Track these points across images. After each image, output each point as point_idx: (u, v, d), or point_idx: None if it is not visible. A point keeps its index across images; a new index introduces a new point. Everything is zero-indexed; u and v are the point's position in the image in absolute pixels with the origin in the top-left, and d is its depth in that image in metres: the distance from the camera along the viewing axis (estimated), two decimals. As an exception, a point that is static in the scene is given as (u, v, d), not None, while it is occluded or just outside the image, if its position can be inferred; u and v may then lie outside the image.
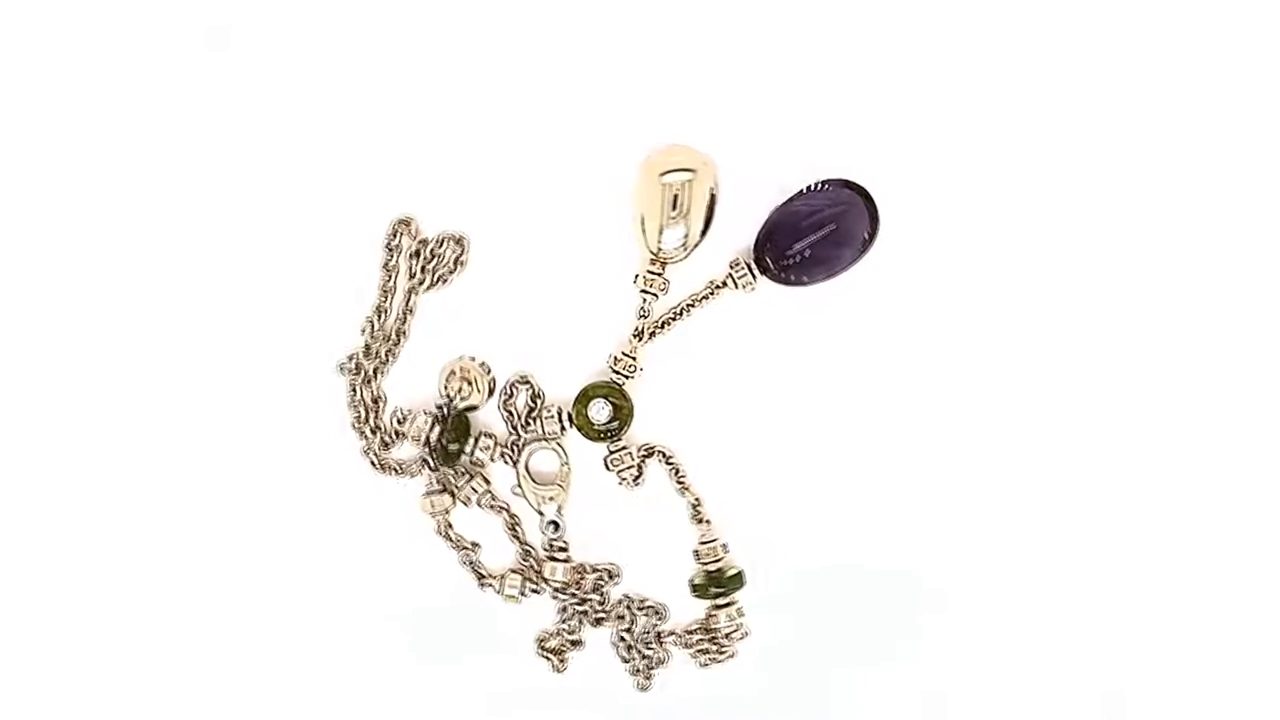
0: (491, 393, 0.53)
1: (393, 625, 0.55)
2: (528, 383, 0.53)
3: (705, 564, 0.53)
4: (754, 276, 0.52)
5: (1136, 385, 0.53)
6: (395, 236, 0.53)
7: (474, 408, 0.53)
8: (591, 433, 0.53)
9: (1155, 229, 0.53)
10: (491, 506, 0.53)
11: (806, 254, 0.52)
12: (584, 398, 0.53)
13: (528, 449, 0.53)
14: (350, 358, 0.53)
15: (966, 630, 0.54)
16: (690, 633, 0.53)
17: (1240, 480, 0.53)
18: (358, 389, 0.53)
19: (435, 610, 0.54)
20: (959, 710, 0.54)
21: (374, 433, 0.54)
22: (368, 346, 0.53)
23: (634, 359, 0.52)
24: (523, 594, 0.53)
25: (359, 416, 0.53)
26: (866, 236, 0.52)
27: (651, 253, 0.52)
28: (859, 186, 0.51)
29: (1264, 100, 0.52)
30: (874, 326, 0.53)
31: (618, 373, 0.52)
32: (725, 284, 0.52)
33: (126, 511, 0.55)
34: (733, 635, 0.53)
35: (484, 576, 0.53)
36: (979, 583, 0.53)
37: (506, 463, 0.53)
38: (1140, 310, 0.53)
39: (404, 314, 0.53)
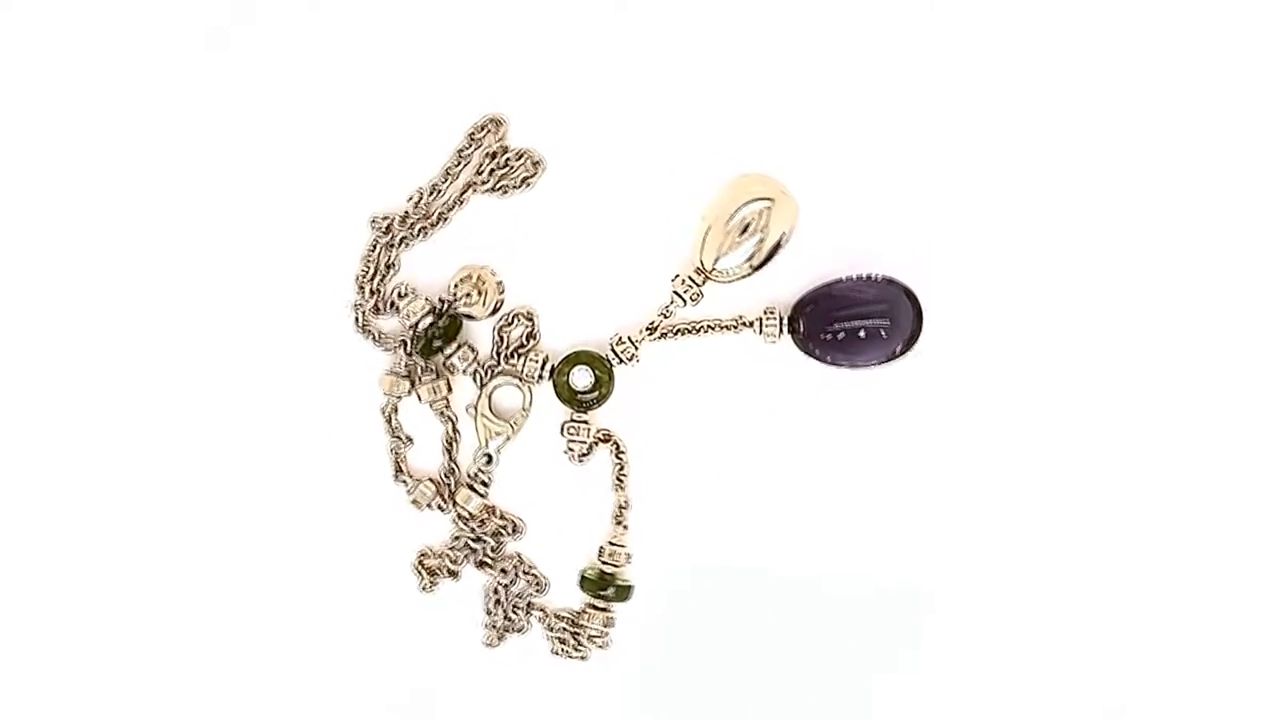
0: (494, 312, 0.53)
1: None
2: (530, 319, 0.53)
3: (604, 563, 0.53)
4: (780, 332, 0.52)
5: (1138, 399, 0.53)
6: (482, 130, 0.53)
7: (471, 317, 0.53)
8: (565, 394, 0.53)
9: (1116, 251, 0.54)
10: (442, 413, 0.53)
11: (838, 337, 0.52)
12: (573, 359, 0.53)
13: (500, 378, 0.53)
14: (385, 217, 0.53)
15: (967, 644, 0.54)
16: (559, 618, 0.53)
17: (1239, 495, 0.53)
18: (378, 246, 0.53)
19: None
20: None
21: (372, 294, 0.54)
22: (406, 215, 0.53)
23: (636, 348, 0.53)
24: (428, 505, 0.53)
25: (366, 273, 0.53)
26: (898, 349, 0.52)
27: (700, 264, 0.52)
28: (915, 298, 0.52)
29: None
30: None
31: (615, 353, 0.53)
32: (752, 325, 0.52)
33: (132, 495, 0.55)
34: (595, 639, 0.53)
35: (401, 471, 0.53)
36: (979, 596, 0.54)
37: (475, 381, 0.53)
38: (1137, 322, 0.53)
39: (454, 203, 0.54)
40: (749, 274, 0.52)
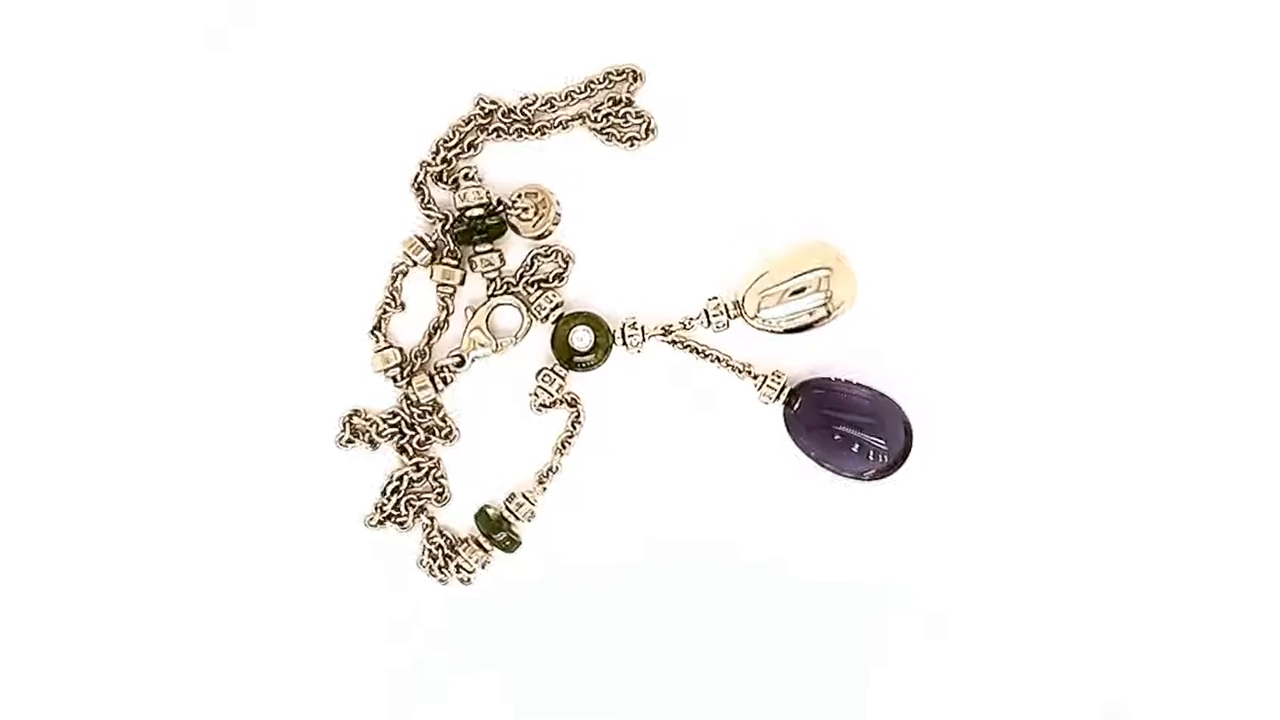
0: (540, 238, 0.53)
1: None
2: (567, 261, 0.53)
3: (507, 508, 0.53)
4: (776, 400, 0.52)
5: (1134, 393, 0.54)
6: (620, 74, 0.54)
7: (517, 231, 0.53)
8: (559, 344, 0.53)
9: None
10: (443, 300, 0.54)
11: (822, 432, 0.52)
12: (583, 317, 0.53)
13: (510, 298, 0.53)
14: (493, 102, 0.54)
15: (968, 638, 0.54)
16: (441, 534, 0.53)
17: (1236, 491, 0.54)
18: (471, 122, 0.54)
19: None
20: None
21: (443, 163, 0.54)
22: (511, 110, 0.54)
23: (643, 339, 0.53)
24: (384, 372, 0.53)
25: (447, 140, 0.54)
26: (869, 474, 0.52)
27: (740, 300, 0.52)
28: (910, 432, 0.52)
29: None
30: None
31: (622, 333, 0.53)
32: (755, 379, 0.52)
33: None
34: (461, 570, 0.53)
35: (378, 329, 0.54)
36: (978, 592, 0.54)
37: (487, 288, 0.53)
38: (1133, 325, 0.54)
39: (559, 124, 0.54)
40: (781, 333, 0.52)
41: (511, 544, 0.53)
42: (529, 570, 0.54)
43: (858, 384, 0.52)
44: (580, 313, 0.53)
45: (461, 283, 0.54)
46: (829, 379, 0.53)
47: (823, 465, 0.52)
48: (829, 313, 0.52)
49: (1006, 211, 0.54)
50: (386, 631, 0.54)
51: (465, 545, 0.53)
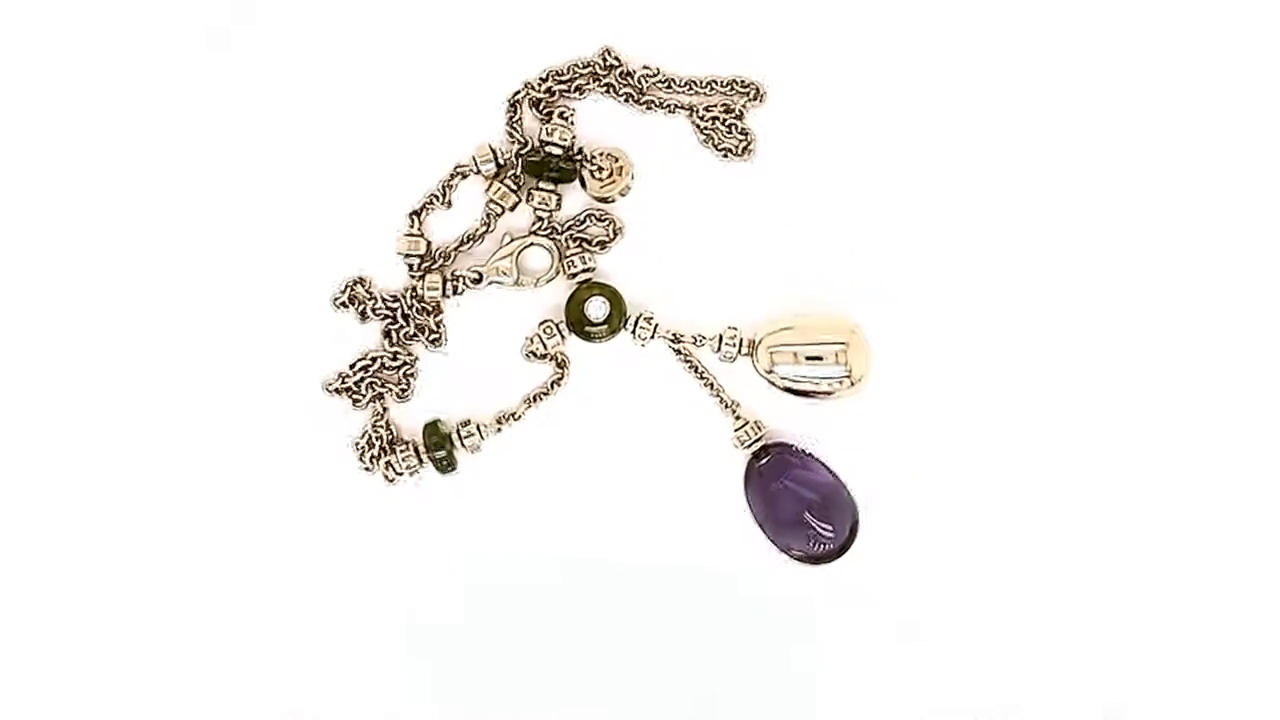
0: (602, 201, 0.54)
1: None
2: (616, 234, 0.53)
3: (457, 430, 0.53)
4: (747, 448, 0.52)
5: (1137, 388, 0.54)
6: (744, 86, 0.54)
7: (584, 183, 0.54)
8: (573, 305, 0.53)
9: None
10: (488, 216, 0.54)
11: (775, 497, 0.52)
12: (604, 289, 0.53)
13: (549, 244, 0.53)
14: (617, 59, 0.54)
15: (969, 639, 0.53)
16: (386, 426, 0.53)
17: (1236, 490, 0.53)
18: (589, 68, 0.54)
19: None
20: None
21: (547, 92, 0.54)
22: (629, 74, 0.54)
23: (652, 336, 0.53)
24: (405, 256, 0.53)
25: (559, 73, 0.54)
26: (801, 555, 0.52)
27: (754, 342, 0.52)
28: (855, 531, 0.52)
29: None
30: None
31: (634, 322, 0.53)
32: (735, 419, 0.52)
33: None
34: (389, 469, 0.53)
35: (417, 214, 0.54)
36: (979, 593, 0.53)
37: (533, 224, 0.54)
38: (1137, 324, 0.54)
39: (667, 106, 0.54)
40: (782, 390, 0.52)
41: (447, 465, 0.52)
42: (469, 539, 0.54)
43: (828, 467, 0.52)
44: (606, 285, 0.53)
45: (512, 209, 0.54)
46: (804, 451, 0.52)
47: (761, 527, 0.52)
48: (850, 385, 0.52)
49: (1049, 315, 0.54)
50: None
51: (404, 447, 0.53)
